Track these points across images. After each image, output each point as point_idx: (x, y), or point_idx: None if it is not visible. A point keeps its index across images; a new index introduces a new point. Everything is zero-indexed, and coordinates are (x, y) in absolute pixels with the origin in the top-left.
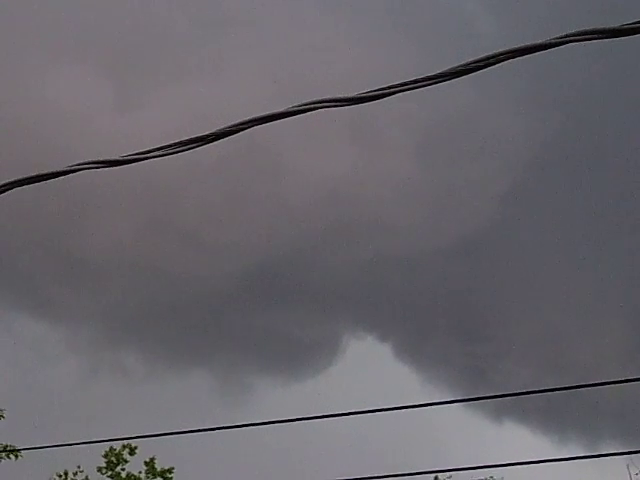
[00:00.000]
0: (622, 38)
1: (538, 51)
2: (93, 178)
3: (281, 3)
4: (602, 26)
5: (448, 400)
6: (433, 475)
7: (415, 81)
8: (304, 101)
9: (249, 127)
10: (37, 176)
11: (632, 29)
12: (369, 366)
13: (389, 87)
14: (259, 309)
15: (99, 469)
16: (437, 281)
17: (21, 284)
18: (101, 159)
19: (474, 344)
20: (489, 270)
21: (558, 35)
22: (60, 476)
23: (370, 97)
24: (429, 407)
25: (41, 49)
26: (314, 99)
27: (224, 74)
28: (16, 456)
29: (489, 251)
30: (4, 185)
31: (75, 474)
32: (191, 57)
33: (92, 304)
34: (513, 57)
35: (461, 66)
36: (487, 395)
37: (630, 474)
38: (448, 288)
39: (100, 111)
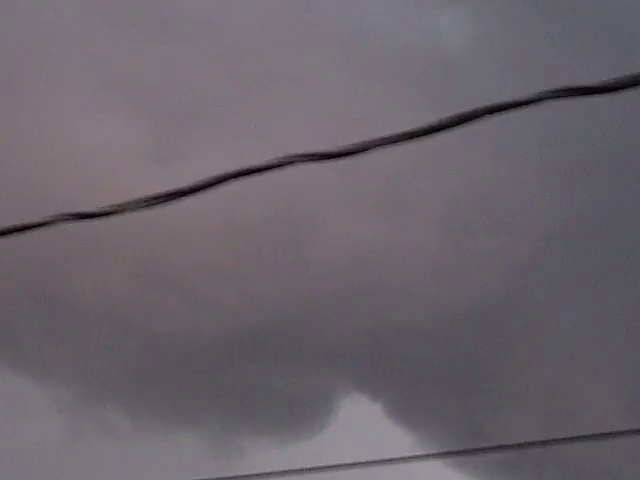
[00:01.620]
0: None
1: (514, 108)
2: (81, 226)
3: (327, 59)
4: (578, 84)
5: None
6: None
7: (393, 137)
8: (281, 155)
9: (224, 181)
10: (14, 228)
11: (615, 85)
12: (363, 427)
13: (367, 142)
14: (253, 369)
15: None
16: (438, 345)
17: (2, 337)
18: (77, 211)
19: (469, 397)
20: (491, 334)
21: (533, 92)
22: None
23: (348, 152)
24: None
25: (83, 95)
26: (291, 153)
27: (264, 130)
28: None
29: (496, 318)
30: None
31: None
32: (232, 112)
33: (78, 360)
34: (490, 113)
35: (438, 123)
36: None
37: None
38: (448, 350)
39: (138, 160)
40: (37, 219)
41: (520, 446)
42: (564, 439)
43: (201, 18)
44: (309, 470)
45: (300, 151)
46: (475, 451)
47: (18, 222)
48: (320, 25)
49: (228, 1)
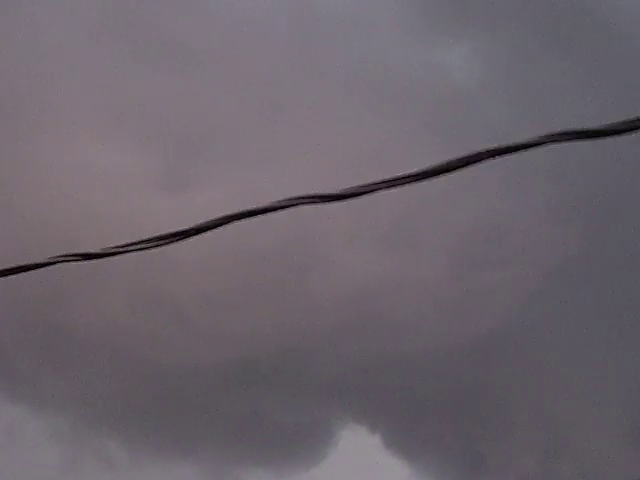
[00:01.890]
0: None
1: (516, 151)
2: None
3: (337, 92)
4: (582, 127)
5: None
6: None
7: (395, 179)
8: (285, 197)
9: (227, 223)
10: (14, 268)
11: (614, 130)
12: (362, 458)
13: (369, 185)
14: (252, 400)
15: None
16: (437, 376)
17: (1, 366)
18: (79, 252)
19: (469, 428)
20: (492, 366)
21: (537, 135)
22: None
23: (352, 194)
24: None
25: (92, 125)
26: (295, 195)
27: (276, 159)
28: None
29: (497, 350)
30: None
31: None
32: (242, 142)
33: (76, 389)
34: (493, 156)
35: (442, 165)
36: None
37: None
38: (448, 382)
39: (149, 188)
40: (41, 259)
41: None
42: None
43: (212, 49)
44: None
45: (309, 182)
46: None
47: (24, 258)
48: (330, 59)
49: (239, 33)
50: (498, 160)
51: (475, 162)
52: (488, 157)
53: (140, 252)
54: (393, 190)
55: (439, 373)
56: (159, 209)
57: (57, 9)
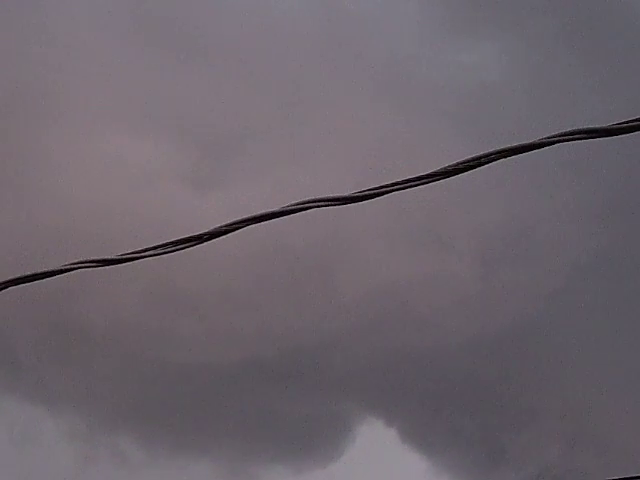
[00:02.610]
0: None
1: (527, 151)
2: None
3: (366, 85)
4: (592, 126)
5: None
6: None
7: (407, 181)
8: (296, 200)
9: (243, 227)
10: (31, 276)
11: (622, 129)
12: (380, 453)
13: (380, 187)
14: (268, 396)
15: None
16: (455, 370)
17: (15, 366)
18: (95, 258)
19: (489, 417)
20: (514, 359)
21: (547, 135)
22: None
23: (363, 196)
24: None
25: (122, 121)
26: (305, 199)
27: (306, 158)
28: None
29: (520, 344)
30: None
31: None
32: (271, 140)
33: (90, 387)
34: (503, 157)
35: (452, 166)
36: None
37: None
38: (465, 375)
39: (180, 187)
40: (58, 267)
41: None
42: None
43: (244, 47)
44: None
45: (339, 181)
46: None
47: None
48: (358, 58)
49: (271, 32)
50: (525, 158)
51: (485, 163)
52: (498, 157)
53: (156, 257)
54: (405, 191)
55: (458, 367)
56: (190, 208)
57: (90, 7)
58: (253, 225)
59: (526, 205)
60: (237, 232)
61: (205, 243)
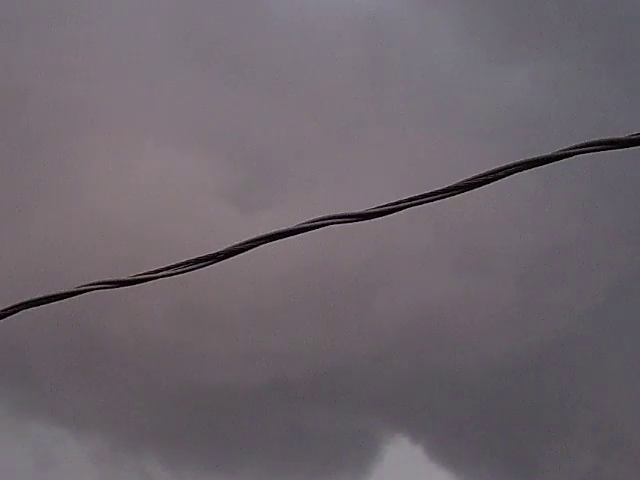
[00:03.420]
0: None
1: (545, 164)
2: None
3: (406, 104)
4: (611, 137)
5: None
6: None
7: (423, 196)
8: (312, 218)
9: (258, 245)
10: (46, 297)
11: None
12: (408, 472)
13: (397, 202)
14: (296, 416)
15: None
16: (488, 387)
17: (38, 388)
18: (110, 279)
19: (519, 427)
20: (547, 376)
21: (565, 147)
22: None
23: (381, 212)
24: None
25: (169, 139)
26: (322, 215)
27: (352, 179)
28: None
29: (553, 361)
30: (12, 307)
31: None
32: (320, 161)
33: (115, 409)
34: (520, 170)
35: (471, 179)
36: None
37: None
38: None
39: (226, 207)
40: (73, 288)
41: None
42: None
43: (288, 68)
44: None
45: (383, 199)
46: None
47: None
48: (399, 78)
49: (316, 52)
50: (565, 179)
51: (504, 176)
52: (516, 170)
53: (172, 277)
54: (422, 206)
55: (490, 385)
56: (237, 228)
57: (140, 23)
58: (272, 242)
59: (565, 225)
60: (255, 249)
61: (220, 262)
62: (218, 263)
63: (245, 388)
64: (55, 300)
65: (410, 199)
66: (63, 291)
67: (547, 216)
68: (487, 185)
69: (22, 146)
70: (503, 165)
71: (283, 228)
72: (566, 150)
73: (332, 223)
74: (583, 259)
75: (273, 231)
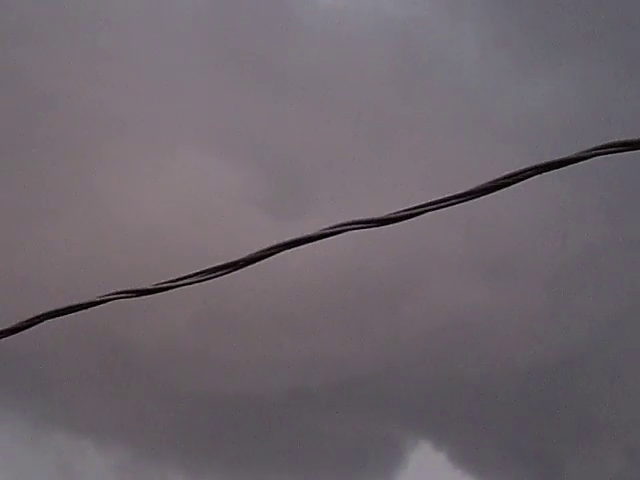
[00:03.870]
0: None
1: (563, 166)
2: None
3: (437, 113)
4: (629, 138)
5: None
6: None
7: (444, 199)
8: (332, 224)
9: (277, 252)
10: (67, 308)
11: None
12: (431, 478)
13: (418, 207)
14: (319, 424)
15: None
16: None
17: (60, 398)
18: (132, 289)
19: (545, 429)
20: (573, 381)
21: (585, 149)
22: None
23: (399, 217)
24: None
25: (202, 143)
26: (342, 221)
27: (385, 187)
28: None
29: (581, 368)
30: (33, 319)
31: None
32: (353, 170)
33: (136, 419)
34: (540, 172)
35: (489, 183)
36: None
37: None
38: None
39: (256, 215)
40: (93, 298)
41: None
42: None
43: (321, 75)
44: None
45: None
46: None
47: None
48: (430, 86)
49: (348, 60)
50: (596, 186)
51: (522, 179)
52: (535, 174)
53: (193, 285)
54: (441, 210)
55: (516, 391)
56: (266, 236)
57: (173, 32)
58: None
59: (593, 232)
60: (278, 255)
61: (240, 270)
62: (239, 271)
63: (267, 396)
64: (76, 310)
65: (430, 203)
66: (84, 301)
67: (575, 223)
68: (506, 189)
69: (49, 152)
70: (521, 168)
71: (303, 235)
72: (584, 152)
73: (351, 229)
74: (610, 266)
75: (292, 238)
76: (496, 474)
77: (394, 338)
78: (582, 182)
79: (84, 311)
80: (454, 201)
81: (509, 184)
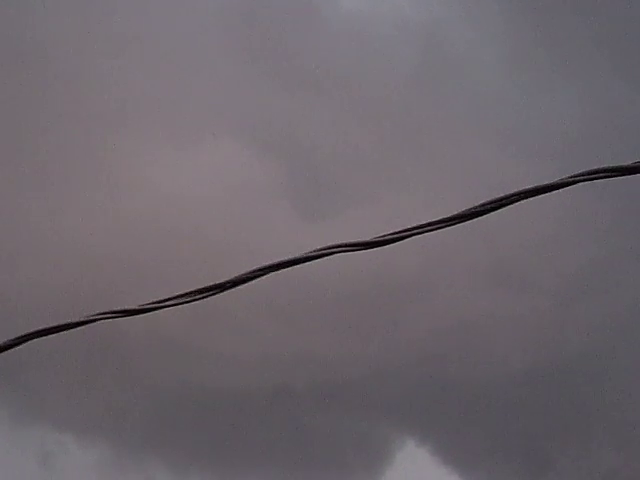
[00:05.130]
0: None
1: (549, 192)
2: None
3: (459, 117)
4: (614, 164)
5: None
6: None
7: (430, 224)
8: (319, 247)
9: (264, 274)
10: (54, 327)
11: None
12: (420, 476)
13: (404, 230)
14: (306, 421)
15: None
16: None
17: (42, 394)
18: (117, 309)
19: (532, 425)
20: (573, 386)
21: (568, 175)
22: None
23: (385, 241)
24: None
25: (229, 144)
26: (329, 244)
27: (413, 188)
28: None
29: (572, 367)
30: (19, 338)
31: None
32: (379, 172)
33: (118, 414)
34: (525, 198)
35: (473, 209)
36: None
37: None
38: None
39: (283, 219)
40: (80, 318)
41: None
42: None
43: (351, 77)
44: None
45: (440, 212)
46: None
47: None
48: (454, 91)
49: (375, 64)
50: (600, 199)
51: (507, 204)
52: (519, 199)
53: (177, 307)
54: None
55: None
56: (298, 237)
57: (204, 26)
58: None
59: (602, 244)
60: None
61: (226, 292)
62: (225, 292)
63: (253, 392)
64: (62, 330)
65: (416, 227)
66: (70, 321)
67: (580, 235)
68: (493, 212)
69: (72, 144)
70: (507, 194)
71: (290, 257)
72: (570, 178)
73: (339, 252)
74: (612, 277)
75: (278, 260)
76: (485, 472)
77: (392, 341)
78: (587, 195)
79: (78, 303)
80: (439, 225)
81: (494, 209)
